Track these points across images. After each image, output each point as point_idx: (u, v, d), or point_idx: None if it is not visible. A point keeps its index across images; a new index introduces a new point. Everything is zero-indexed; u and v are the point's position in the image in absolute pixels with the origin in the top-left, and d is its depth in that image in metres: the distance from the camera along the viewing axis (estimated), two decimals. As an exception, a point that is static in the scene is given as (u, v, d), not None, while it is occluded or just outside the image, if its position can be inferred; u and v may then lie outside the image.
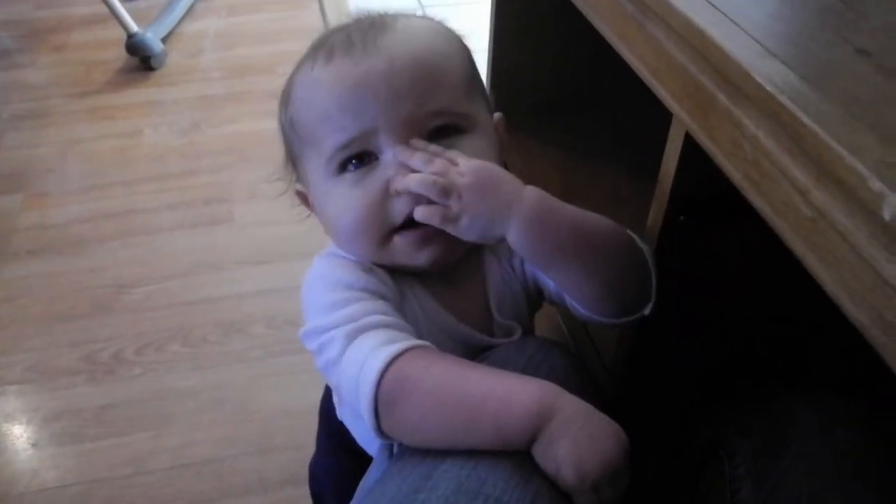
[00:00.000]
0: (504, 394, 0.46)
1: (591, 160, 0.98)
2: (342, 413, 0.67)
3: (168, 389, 1.21)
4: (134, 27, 2.01)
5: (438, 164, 0.52)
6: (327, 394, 0.72)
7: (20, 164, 1.73)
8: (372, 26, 0.56)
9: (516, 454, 0.46)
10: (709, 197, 0.51)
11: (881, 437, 0.51)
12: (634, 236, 0.56)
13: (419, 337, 0.52)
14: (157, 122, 1.87)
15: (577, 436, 0.45)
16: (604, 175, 0.95)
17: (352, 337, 0.50)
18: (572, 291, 0.56)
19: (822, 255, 0.34)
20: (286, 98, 0.60)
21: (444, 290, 0.59)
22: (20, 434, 1.15)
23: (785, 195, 0.36)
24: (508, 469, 0.44)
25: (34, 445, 1.14)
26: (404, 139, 0.54)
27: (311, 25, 2.17)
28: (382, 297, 0.54)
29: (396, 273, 0.58)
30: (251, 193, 1.58)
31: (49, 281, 1.42)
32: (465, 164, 0.52)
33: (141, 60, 2.05)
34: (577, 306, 0.57)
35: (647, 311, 0.56)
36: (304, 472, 0.84)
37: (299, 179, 0.63)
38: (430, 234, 0.55)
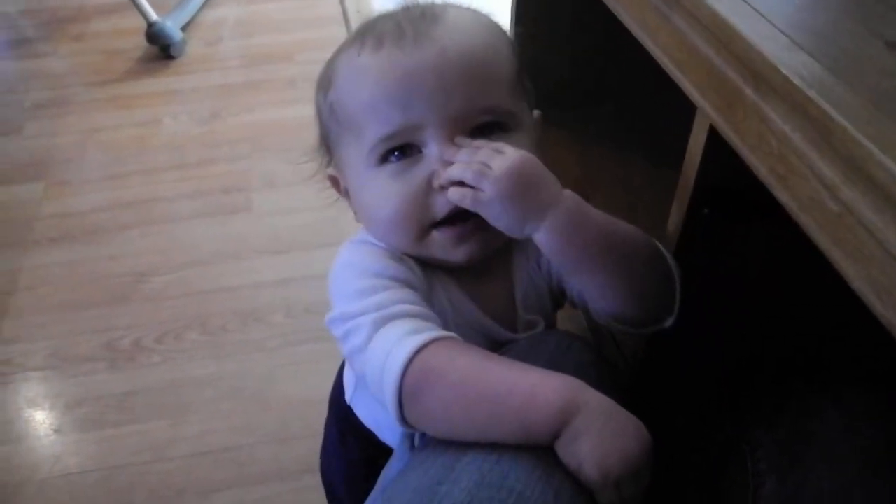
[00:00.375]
0: (529, 389, 0.46)
1: (610, 150, 0.98)
2: (356, 403, 0.67)
3: (187, 378, 1.22)
4: (153, 16, 2.02)
5: (483, 153, 0.52)
6: (338, 384, 0.72)
7: (41, 153, 1.75)
8: (423, 16, 0.55)
9: (540, 449, 0.46)
10: (733, 190, 0.51)
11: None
12: (661, 248, 0.55)
13: (445, 328, 0.52)
14: (176, 110, 1.88)
15: (601, 433, 0.44)
16: (621, 165, 0.95)
17: (379, 325, 0.50)
18: (595, 298, 0.56)
19: (849, 251, 0.34)
20: (326, 81, 0.59)
21: (473, 282, 0.59)
22: (43, 420, 1.17)
23: (812, 190, 0.36)
24: (531, 463, 0.45)
25: (56, 431, 1.15)
26: (451, 135, 0.54)
27: (329, 14, 2.17)
28: (411, 286, 0.54)
29: (426, 263, 0.57)
30: (269, 182, 1.58)
31: (69, 269, 1.43)
32: (511, 152, 0.52)
33: (160, 49, 2.06)
34: (600, 312, 0.57)
35: (667, 324, 0.55)
36: (322, 461, 0.85)
37: (333, 164, 0.62)
38: (468, 231, 0.55)
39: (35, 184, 1.65)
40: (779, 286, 0.59)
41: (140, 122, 1.85)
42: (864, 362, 0.57)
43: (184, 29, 2.13)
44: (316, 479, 0.81)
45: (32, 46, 2.21)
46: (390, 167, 0.55)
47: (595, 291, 0.55)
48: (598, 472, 0.44)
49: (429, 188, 0.54)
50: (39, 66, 2.10)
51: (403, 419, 0.49)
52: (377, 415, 0.65)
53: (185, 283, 1.40)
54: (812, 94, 0.34)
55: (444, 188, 0.53)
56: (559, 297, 0.64)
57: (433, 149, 0.54)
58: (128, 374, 1.23)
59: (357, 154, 0.57)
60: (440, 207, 0.54)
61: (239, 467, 1.08)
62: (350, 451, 0.70)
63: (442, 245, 0.56)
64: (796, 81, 0.35)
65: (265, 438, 1.12)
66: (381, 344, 0.49)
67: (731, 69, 0.42)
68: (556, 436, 0.45)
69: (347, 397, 0.68)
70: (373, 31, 0.55)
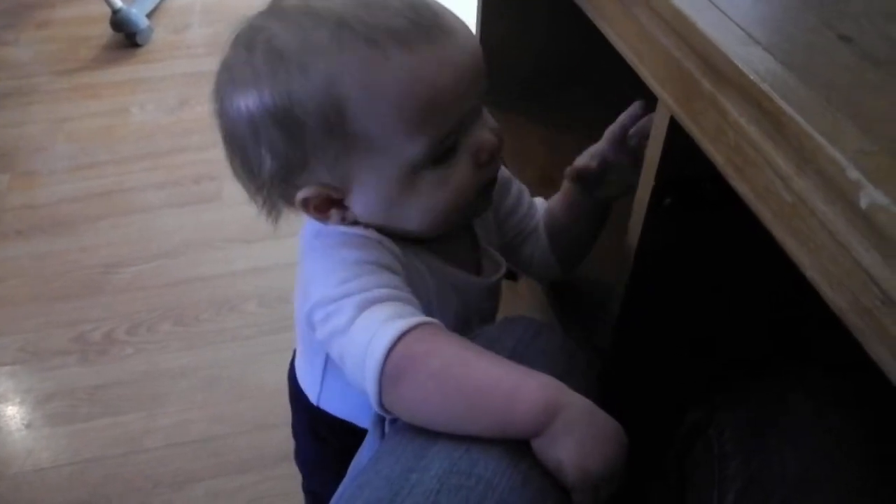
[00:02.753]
0: (511, 386, 0.46)
1: (578, 137, 0.98)
2: (325, 401, 0.67)
3: (161, 369, 1.22)
4: (118, 3, 1.99)
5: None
6: (294, 390, 0.72)
7: (6, 144, 1.72)
8: (412, 6, 0.50)
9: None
10: (695, 179, 0.52)
11: (869, 419, 0.52)
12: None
13: (426, 294, 0.54)
14: (143, 99, 1.86)
15: (582, 435, 0.45)
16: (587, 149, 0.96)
17: (362, 307, 0.50)
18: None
19: (801, 241, 0.34)
20: (326, 97, 0.49)
21: (440, 243, 0.60)
22: (13, 415, 1.16)
23: (767, 181, 0.37)
24: (500, 451, 0.45)
25: (28, 426, 1.15)
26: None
27: None
28: (392, 270, 0.54)
29: (402, 238, 0.57)
30: (240, 171, 1.57)
31: (39, 261, 1.42)
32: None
33: (126, 37, 2.03)
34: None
35: None
36: (299, 450, 0.86)
37: (299, 188, 0.54)
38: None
39: (0, 175, 1.62)
40: (742, 274, 0.60)
41: (107, 111, 1.82)
42: (829, 348, 0.58)
43: (149, 16, 2.10)
44: (293, 467, 0.81)
45: (-6, 35, 2.17)
46: (429, 174, 0.53)
47: None
48: (578, 475, 0.44)
49: (477, 167, 0.55)
50: (3, 55, 2.07)
51: (381, 403, 0.49)
52: (352, 401, 0.66)
53: (158, 274, 1.39)
54: (766, 87, 0.35)
55: (490, 161, 0.55)
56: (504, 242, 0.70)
57: (471, 132, 0.54)
58: (100, 366, 1.23)
59: (387, 167, 0.52)
60: (487, 179, 0.57)
61: (216, 457, 1.09)
62: (327, 448, 0.70)
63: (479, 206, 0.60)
64: (751, 76, 0.36)
65: (242, 428, 1.13)
66: (365, 325, 0.49)
67: (689, 62, 0.42)
68: (534, 435, 0.46)
69: (314, 399, 0.68)
70: (381, 34, 0.48)
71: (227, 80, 0.53)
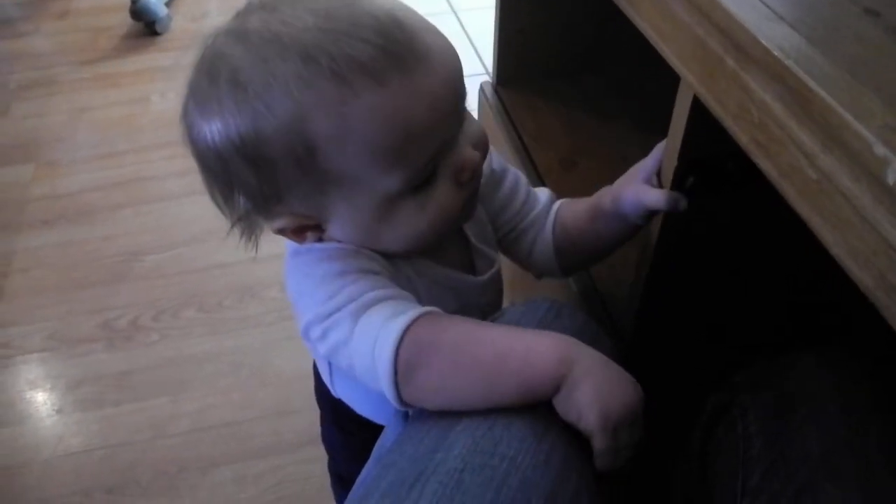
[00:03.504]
0: (524, 350, 0.47)
1: (599, 119, 0.98)
2: (343, 397, 0.68)
3: (185, 355, 1.24)
4: (137, -9, 1.99)
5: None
6: (319, 382, 0.72)
7: (29, 134, 1.74)
8: (382, 30, 0.47)
9: (531, 415, 0.47)
10: (718, 159, 0.52)
11: (892, 395, 0.52)
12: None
13: (416, 296, 0.53)
14: (163, 87, 1.87)
15: (599, 380, 0.46)
16: (611, 134, 0.95)
17: (358, 315, 0.50)
18: None
19: (827, 218, 0.34)
20: (293, 135, 0.47)
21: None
22: (44, 401, 1.18)
23: (791, 158, 0.36)
24: (523, 429, 0.46)
25: (58, 412, 1.17)
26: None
27: (314, -15, 2.14)
28: (374, 272, 0.53)
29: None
30: (260, 158, 1.58)
31: (63, 250, 1.44)
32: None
33: (145, 25, 2.05)
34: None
35: None
36: (322, 434, 0.87)
37: (276, 216, 0.53)
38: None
39: (24, 166, 1.65)
40: (764, 252, 0.60)
41: (128, 100, 1.84)
42: (849, 324, 0.58)
43: (168, 4, 2.11)
44: (316, 451, 0.82)
45: (15, 26, 2.18)
46: (409, 201, 0.51)
47: None
48: (597, 417, 0.45)
49: (458, 186, 0.52)
50: (23, 46, 2.08)
51: (401, 400, 0.49)
52: (367, 402, 0.66)
53: (180, 261, 1.40)
54: (790, 63, 0.35)
55: (470, 181, 0.53)
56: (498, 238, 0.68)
57: (450, 153, 0.51)
58: (126, 353, 1.24)
59: (363, 199, 0.51)
60: (470, 194, 0.54)
61: (239, 442, 1.10)
62: (352, 438, 0.71)
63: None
64: (775, 52, 0.36)
65: (264, 412, 1.14)
66: (366, 331, 0.49)
67: (712, 39, 0.42)
68: (555, 390, 0.46)
69: (333, 392, 0.68)
70: (355, 69, 0.45)
71: (194, 107, 0.51)
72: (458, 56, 0.50)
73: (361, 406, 0.67)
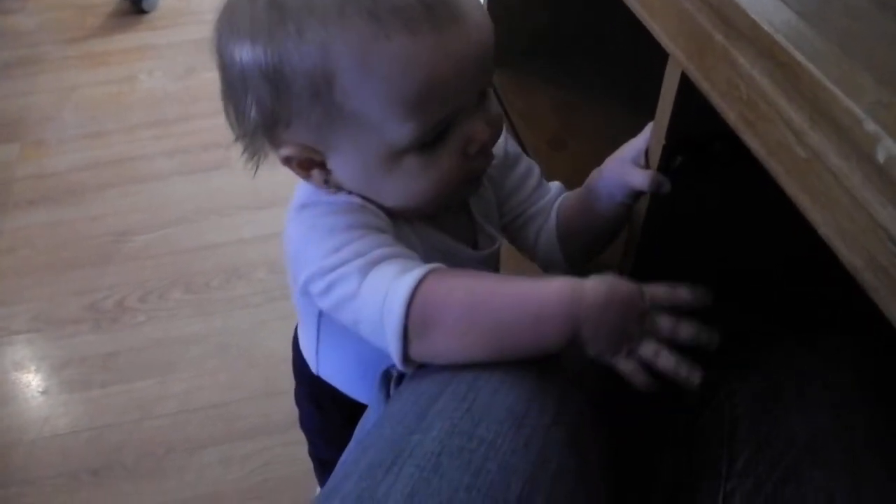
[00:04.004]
0: (536, 294, 0.47)
1: (588, 99, 0.97)
2: (324, 371, 0.67)
3: (172, 336, 1.23)
4: (124, -31, 1.97)
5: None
6: (297, 357, 0.72)
7: (16, 113, 1.72)
8: None
9: (512, 394, 0.46)
10: (706, 139, 0.51)
11: (878, 380, 0.51)
12: None
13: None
14: (151, 66, 1.85)
15: (598, 311, 0.47)
16: (599, 113, 0.94)
17: (366, 270, 0.50)
18: None
19: (815, 197, 0.33)
20: (317, 63, 0.48)
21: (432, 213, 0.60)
22: (29, 382, 1.18)
23: (780, 136, 0.35)
24: (503, 412, 0.45)
25: (44, 393, 1.16)
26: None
27: (305, -37, 2.12)
28: (381, 230, 0.54)
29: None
30: (249, 138, 1.56)
31: (50, 230, 1.42)
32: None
33: (132, 3, 2.02)
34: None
35: None
36: (309, 416, 0.86)
37: (288, 143, 0.53)
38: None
39: (10, 145, 1.63)
40: (753, 235, 0.59)
41: (116, 79, 1.82)
42: (837, 307, 0.57)
43: (156, -18, 2.08)
44: (302, 434, 0.82)
45: (1, 4, 2.15)
46: (415, 157, 0.52)
47: None
48: (608, 346, 0.47)
49: (464, 157, 0.53)
50: (8, 23, 2.05)
51: (406, 358, 0.49)
52: (348, 373, 0.66)
53: (168, 242, 1.39)
54: (780, 38, 0.34)
55: (479, 154, 0.54)
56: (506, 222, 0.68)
57: (465, 121, 0.52)
58: (112, 334, 1.24)
59: (370, 144, 0.51)
60: (475, 169, 0.55)
61: (226, 423, 1.10)
62: (330, 418, 0.71)
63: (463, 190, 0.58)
64: (765, 26, 0.35)
65: (252, 394, 1.13)
66: (375, 287, 0.49)
67: (701, 14, 0.41)
68: (567, 337, 0.47)
69: (314, 369, 0.68)
70: (385, 10, 0.46)
71: (227, 21, 0.52)
72: (492, 32, 0.51)
73: (345, 382, 0.66)
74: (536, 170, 0.68)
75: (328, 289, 0.51)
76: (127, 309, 1.27)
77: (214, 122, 1.63)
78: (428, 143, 0.51)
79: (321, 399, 0.70)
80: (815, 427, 0.50)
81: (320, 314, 0.62)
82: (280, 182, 1.40)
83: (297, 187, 0.58)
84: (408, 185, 0.53)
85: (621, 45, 0.99)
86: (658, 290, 0.49)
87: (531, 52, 1.01)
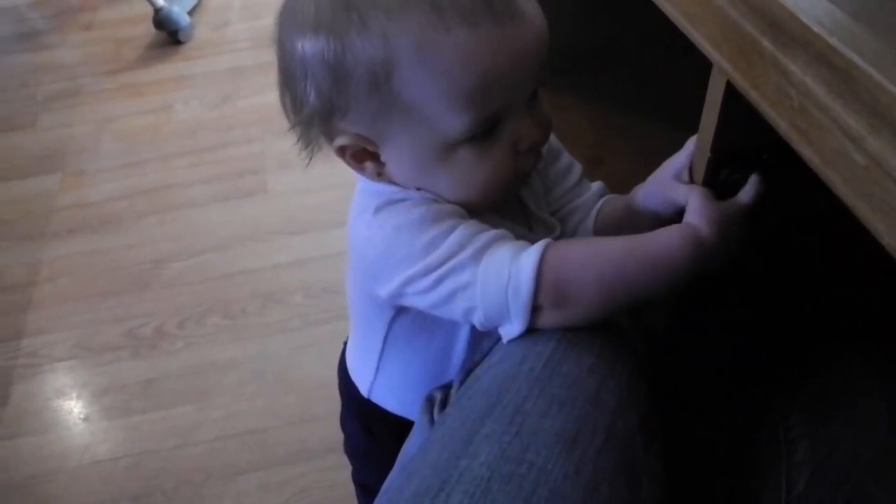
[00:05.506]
0: (664, 249, 0.50)
1: (624, 113, 0.96)
2: (376, 394, 0.67)
3: (209, 362, 1.23)
4: (160, 1, 2.01)
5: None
6: (344, 379, 0.71)
7: (56, 145, 1.76)
8: None
9: (559, 419, 0.45)
10: (753, 150, 0.49)
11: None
12: None
13: None
14: (187, 96, 1.88)
15: (719, 227, 0.50)
16: (636, 129, 0.93)
17: (479, 256, 0.50)
18: None
19: (877, 206, 0.32)
20: (378, 53, 0.49)
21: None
22: (70, 409, 1.18)
23: (836, 143, 0.34)
24: (552, 435, 0.44)
25: (85, 420, 1.17)
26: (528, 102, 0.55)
27: (335, -9, 2.15)
28: (464, 216, 0.54)
29: None
30: (283, 163, 1.58)
31: (88, 259, 1.44)
32: None
33: (168, 35, 2.06)
34: None
35: None
36: (346, 441, 0.85)
37: (338, 134, 0.54)
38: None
39: (51, 176, 1.66)
40: (807, 248, 0.58)
41: (152, 109, 1.85)
42: (887, 313, 0.55)
43: (191, 13, 2.12)
44: (341, 458, 0.81)
45: (42, 38, 2.21)
46: (468, 149, 0.53)
47: None
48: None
49: (514, 153, 0.54)
50: (50, 57, 2.11)
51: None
52: (404, 394, 0.65)
53: (204, 268, 1.40)
54: (834, 41, 0.32)
55: (529, 151, 0.55)
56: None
57: (517, 118, 0.53)
58: (151, 360, 1.24)
59: (425, 135, 0.52)
60: (525, 167, 0.56)
61: (264, 449, 1.09)
62: (379, 441, 0.70)
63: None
64: (816, 29, 0.33)
65: (289, 420, 1.13)
66: (494, 269, 0.49)
67: (746, 20, 0.40)
68: (691, 255, 0.49)
69: (365, 392, 0.67)
70: (441, 1, 0.48)
71: (290, 13, 0.53)
72: (546, 30, 0.53)
73: (402, 403, 0.66)
74: (578, 167, 0.69)
75: (436, 284, 0.51)
76: (165, 335, 1.28)
77: (249, 150, 1.66)
78: (479, 136, 0.52)
79: (369, 421, 0.69)
80: (876, 443, 0.48)
81: (389, 327, 0.61)
82: (315, 206, 1.42)
83: (358, 194, 0.59)
84: (462, 177, 0.54)
85: (658, 59, 0.98)
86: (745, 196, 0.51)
87: (566, 68, 1.00)
